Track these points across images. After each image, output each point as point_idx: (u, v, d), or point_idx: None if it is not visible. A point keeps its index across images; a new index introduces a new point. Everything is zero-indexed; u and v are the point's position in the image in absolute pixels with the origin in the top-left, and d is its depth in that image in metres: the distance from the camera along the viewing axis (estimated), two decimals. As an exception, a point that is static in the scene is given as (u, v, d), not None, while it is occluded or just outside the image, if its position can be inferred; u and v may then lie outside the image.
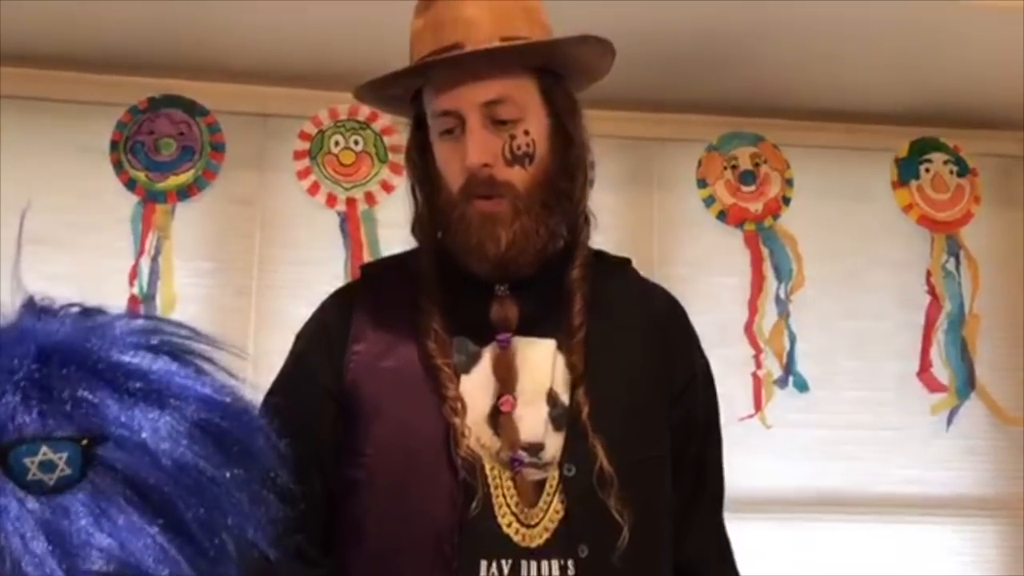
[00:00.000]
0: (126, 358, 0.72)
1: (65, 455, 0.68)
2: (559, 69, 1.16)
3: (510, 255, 1.11)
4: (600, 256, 1.21)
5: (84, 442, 0.68)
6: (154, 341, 0.74)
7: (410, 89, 1.17)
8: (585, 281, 1.16)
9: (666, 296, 1.27)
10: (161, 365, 0.72)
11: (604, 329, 1.15)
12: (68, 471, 0.67)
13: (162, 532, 0.69)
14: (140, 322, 0.75)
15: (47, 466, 0.67)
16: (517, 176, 1.11)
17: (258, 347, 2.45)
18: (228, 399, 0.74)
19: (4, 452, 0.67)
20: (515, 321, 1.13)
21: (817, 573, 2.46)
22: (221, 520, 0.71)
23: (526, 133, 1.11)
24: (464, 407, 1.10)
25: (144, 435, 0.70)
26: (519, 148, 1.11)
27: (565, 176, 1.14)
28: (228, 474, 0.72)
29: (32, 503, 0.67)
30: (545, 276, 1.15)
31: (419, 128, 1.18)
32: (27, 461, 0.67)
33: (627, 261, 1.26)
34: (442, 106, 1.11)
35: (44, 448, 0.67)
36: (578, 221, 1.17)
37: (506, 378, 1.12)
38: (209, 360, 0.74)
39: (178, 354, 0.74)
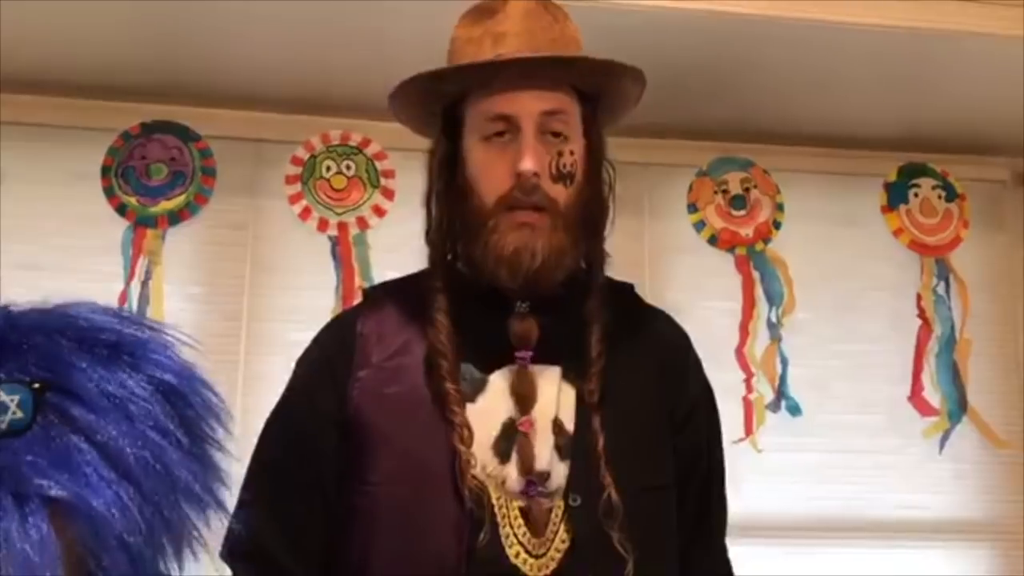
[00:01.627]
0: (95, 320, 0.77)
1: (17, 398, 0.72)
2: (597, 101, 1.18)
3: (543, 271, 1.10)
4: (606, 283, 1.21)
5: (36, 386, 0.73)
6: (123, 315, 0.79)
7: (449, 96, 1.16)
8: (603, 312, 1.15)
9: (671, 323, 1.27)
10: (126, 330, 0.77)
11: (614, 358, 1.14)
12: (19, 414, 0.72)
13: (110, 474, 0.73)
14: (109, 305, 0.80)
15: (0, 407, 0.71)
16: (559, 193, 1.12)
17: (248, 372, 2.43)
18: (189, 369, 0.79)
19: None
20: (535, 339, 1.12)
21: (811, 599, 2.46)
22: (168, 476, 0.75)
23: (571, 152, 1.13)
24: (471, 434, 1.08)
25: (99, 387, 0.75)
26: (564, 166, 1.12)
27: (595, 204, 1.16)
28: (179, 436, 0.76)
29: None
30: (563, 301, 1.14)
31: (450, 138, 1.17)
32: None
33: (631, 287, 1.26)
34: (499, 109, 1.11)
35: None
36: (598, 254, 1.18)
37: (526, 398, 1.10)
38: (172, 339, 0.79)
39: (144, 327, 0.79)
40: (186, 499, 0.78)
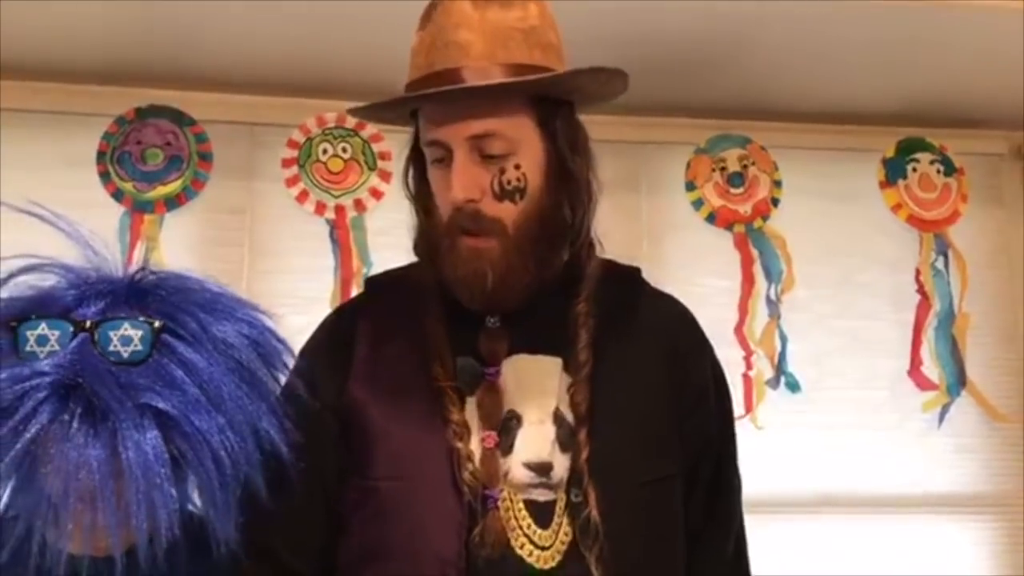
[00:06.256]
0: (202, 281, 1.00)
1: (140, 333, 0.92)
2: (562, 95, 1.11)
3: (499, 293, 1.08)
4: (609, 269, 1.18)
5: (156, 325, 0.94)
6: (219, 282, 1.02)
7: (406, 109, 1.14)
8: (591, 316, 1.12)
9: (677, 307, 1.23)
10: (226, 291, 1.01)
11: (615, 350, 1.12)
12: (140, 348, 0.92)
13: (207, 404, 0.92)
14: (207, 276, 1.05)
15: (125, 340, 0.92)
16: (506, 212, 1.07)
17: (249, 356, 2.43)
18: (272, 328, 1.03)
19: (95, 326, 0.93)
20: (503, 355, 1.10)
21: (809, 573, 2.47)
22: (250, 415, 0.95)
23: (517, 167, 1.07)
24: (468, 431, 1.07)
25: (206, 332, 0.95)
26: (509, 183, 1.07)
27: (564, 207, 1.10)
28: (264, 382, 0.99)
29: (110, 367, 0.90)
30: (541, 304, 1.11)
31: (417, 148, 1.15)
32: (111, 334, 0.92)
33: (636, 271, 1.23)
34: (431, 136, 1.09)
35: (126, 325, 0.92)
36: (581, 250, 1.14)
37: (490, 414, 1.08)
38: (257, 304, 1.05)
39: (234, 292, 1.03)
40: (259, 441, 0.96)
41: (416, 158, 1.15)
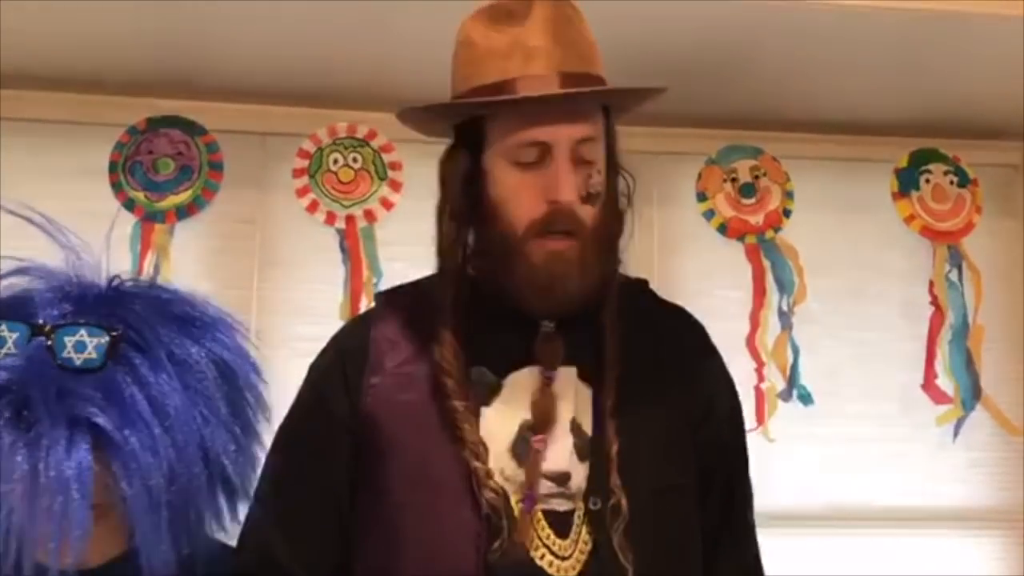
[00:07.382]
0: (178, 295, 0.97)
1: (96, 340, 0.90)
2: (612, 107, 1.16)
3: (573, 296, 1.09)
4: (620, 281, 1.19)
5: (115, 333, 0.91)
6: (197, 296, 1.00)
7: (457, 119, 1.14)
8: (619, 321, 1.14)
9: (687, 318, 1.25)
10: (200, 308, 0.98)
11: (630, 360, 1.12)
12: (93, 356, 0.89)
13: (153, 422, 0.88)
14: (188, 289, 1.01)
15: (80, 346, 0.89)
16: (588, 215, 1.10)
17: (258, 366, 2.43)
18: (245, 353, 0.99)
19: (52, 330, 0.90)
20: (560, 359, 1.11)
21: (824, 587, 2.45)
22: (202, 438, 0.91)
23: (599, 172, 1.12)
24: (485, 448, 1.07)
25: (167, 348, 0.92)
26: (593, 187, 1.10)
27: (615, 215, 1.15)
28: (222, 407, 0.94)
29: (58, 372, 0.88)
30: (584, 312, 1.13)
31: (469, 152, 1.13)
32: (66, 339, 0.90)
33: (644, 283, 1.24)
34: (534, 136, 1.08)
35: (82, 331, 0.90)
36: (616, 262, 1.17)
37: (545, 418, 1.08)
38: (235, 325, 1.01)
39: (213, 309, 1.00)
40: (210, 463, 0.93)
41: (466, 166, 1.13)
